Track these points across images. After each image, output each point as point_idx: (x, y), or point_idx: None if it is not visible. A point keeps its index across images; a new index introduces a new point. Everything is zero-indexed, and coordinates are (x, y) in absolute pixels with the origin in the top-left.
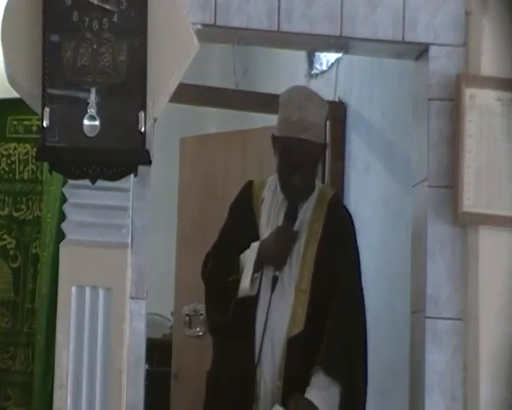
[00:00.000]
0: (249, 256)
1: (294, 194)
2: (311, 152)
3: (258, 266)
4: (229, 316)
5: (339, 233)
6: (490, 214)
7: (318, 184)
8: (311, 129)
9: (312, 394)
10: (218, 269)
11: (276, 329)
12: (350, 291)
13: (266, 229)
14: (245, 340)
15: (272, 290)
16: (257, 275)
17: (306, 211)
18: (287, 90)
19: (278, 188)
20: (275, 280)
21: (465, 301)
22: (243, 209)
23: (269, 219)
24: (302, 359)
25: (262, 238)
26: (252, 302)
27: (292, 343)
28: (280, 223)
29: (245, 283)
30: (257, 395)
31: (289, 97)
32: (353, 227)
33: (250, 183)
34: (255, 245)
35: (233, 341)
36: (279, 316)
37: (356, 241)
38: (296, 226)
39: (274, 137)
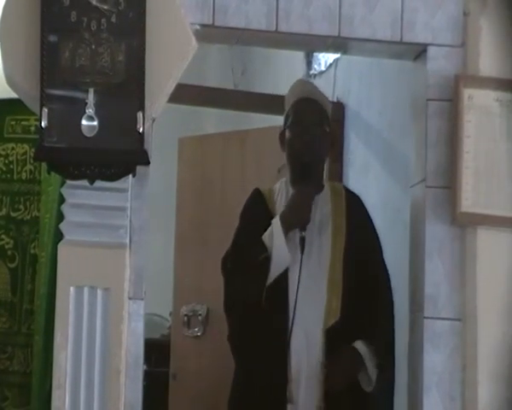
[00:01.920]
0: (274, 230)
1: (307, 156)
2: (319, 113)
3: (287, 233)
4: (262, 298)
5: (363, 226)
6: (488, 215)
7: (325, 182)
8: (318, 98)
9: (359, 345)
10: (243, 255)
11: (309, 317)
12: (386, 281)
13: None
14: (278, 328)
15: (302, 251)
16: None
17: (323, 205)
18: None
19: (290, 189)
20: (303, 241)
21: (464, 302)
22: (259, 211)
23: None
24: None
25: None
26: (283, 283)
27: (330, 334)
28: None
29: (282, 251)
30: (290, 387)
31: (293, 85)
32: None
33: (258, 189)
34: (275, 220)
35: (265, 336)
36: (312, 309)
37: (376, 230)
38: (313, 215)
39: (282, 133)
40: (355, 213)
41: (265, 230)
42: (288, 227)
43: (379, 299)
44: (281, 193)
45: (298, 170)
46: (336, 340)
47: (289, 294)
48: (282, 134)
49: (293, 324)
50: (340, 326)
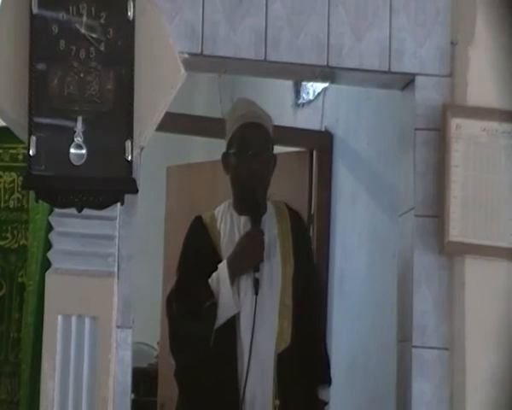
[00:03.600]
0: (221, 276)
1: (254, 184)
2: (265, 137)
3: (233, 280)
4: (209, 345)
5: (308, 247)
6: (476, 244)
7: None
8: (263, 122)
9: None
10: (189, 299)
11: (262, 346)
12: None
13: None
14: (228, 367)
15: (256, 293)
16: (234, 290)
17: (270, 227)
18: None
19: (234, 214)
20: (256, 282)
21: (452, 331)
22: (202, 245)
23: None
24: (292, 372)
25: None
26: (233, 322)
27: (282, 359)
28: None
29: (229, 300)
30: None
31: (235, 107)
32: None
33: (199, 218)
34: (222, 265)
35: (215, 375)
36: (265, 332)
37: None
38: (264, 233)
39: (225, 157)
40: (299, 232)
41: (209, 263)
42: (234, 274)
43: (322, 323)
44: (224, 219)
45: (244, 198)
46: (287, 366)
47: (242, 335)
48: (226, 157)
49: (249, 365)
50: (291, 352)
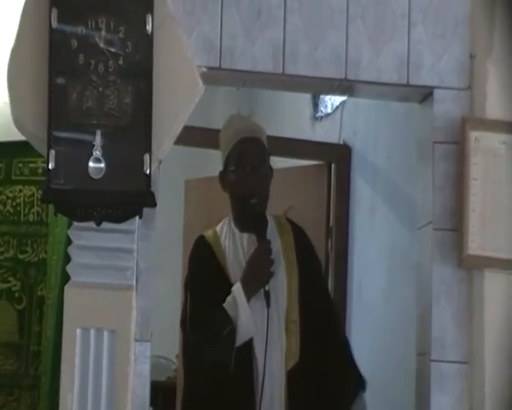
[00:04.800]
0: (238, 299)
1: (254, 199)
2: (262, 151)
3: (249, 300)
4: (230, 370)
5: (313, 260)
6: (495, 257)
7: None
8: (259, 135)
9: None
10: (207, 328)
11: (274, 363)
12: (336, 313)
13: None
14: (246, 387)
15: (268, 305)
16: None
17: (273, 241)
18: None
19: (236, 232)
20: (268, 295)
21: (471, 345)
22: (209, 265)
23: (241, 264)
24: (302, 390)
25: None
26: (248, 341)
27: (291, 376)
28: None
29: (249, 323)
30: None
31: (229, 123)
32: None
33: (202, 237)
34: (236, 288)
35: (232, 396)
36: (275, 349)
37: (320, 261)
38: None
39: (223, 174)
40: (303, 246)
41: (219, 284)
42: (251, 294)
43: (337, 335)
44: (228, 237)
45: (246, 214)
46: (297, 383)
47: (257, 354)
48: (224, 175)
49: (263, 383)
50: (300, 368)
